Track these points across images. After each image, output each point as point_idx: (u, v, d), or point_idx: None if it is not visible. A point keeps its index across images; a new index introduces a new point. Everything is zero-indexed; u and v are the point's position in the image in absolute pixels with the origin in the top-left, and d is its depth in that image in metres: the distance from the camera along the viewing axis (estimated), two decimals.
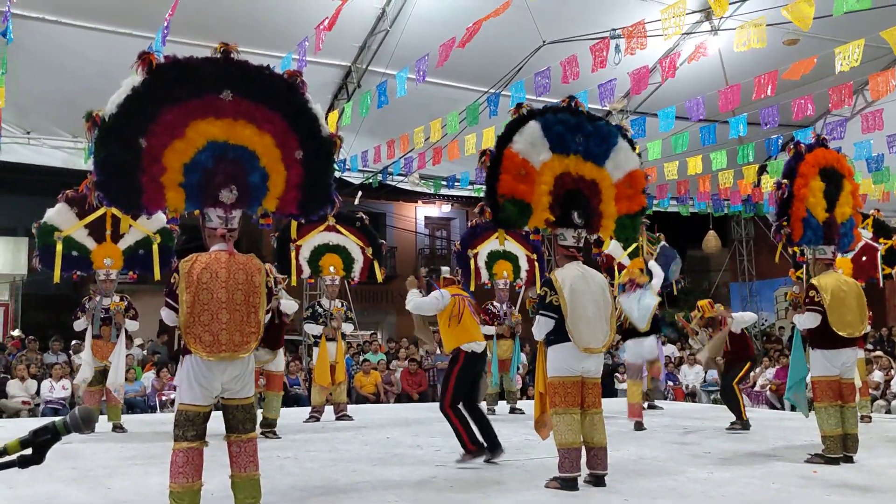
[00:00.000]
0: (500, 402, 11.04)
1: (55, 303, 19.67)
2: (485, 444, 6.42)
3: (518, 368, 11.23)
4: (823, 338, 6.49)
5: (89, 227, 8.75)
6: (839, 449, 6.36)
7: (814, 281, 6.61)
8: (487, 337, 11.03)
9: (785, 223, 6.50)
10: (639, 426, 8.89)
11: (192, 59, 4.57)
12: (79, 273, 8.94)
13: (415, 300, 6.64)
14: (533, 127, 5.53)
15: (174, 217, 4.79)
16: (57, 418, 2.06)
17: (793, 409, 9.91)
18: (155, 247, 8.96)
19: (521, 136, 5.51)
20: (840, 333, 6.43)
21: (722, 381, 9.52)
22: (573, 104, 5.72)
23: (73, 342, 12.91)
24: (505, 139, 5.52)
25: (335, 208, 5.09)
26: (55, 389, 12.18)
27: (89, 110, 4.39)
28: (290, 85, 4.78)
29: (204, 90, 4.53)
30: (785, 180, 6.54)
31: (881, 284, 10.26)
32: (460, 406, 6.50)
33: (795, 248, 6.94)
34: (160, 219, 8.52)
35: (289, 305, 8.53)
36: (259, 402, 6.91)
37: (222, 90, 4.55)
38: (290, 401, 13.35)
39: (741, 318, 9.39)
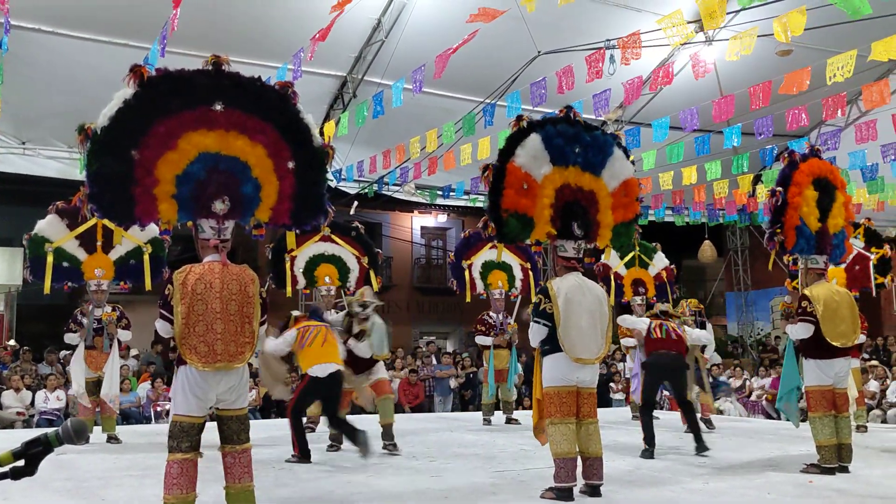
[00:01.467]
0: (496, 412, 11.04)
1: (50, 313, 19.56)
2: (309, 453, 7.32)
3: (515, 379, 11.21)
4: (817, 348, 6.49)
5: (80, 238, 8.74)
6: (834, 459, 6.36)
7: (806, 291, 6.63)
8: (484, 347, 11.08)
9: (778, 231, 6.51)
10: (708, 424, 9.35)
11: (184, 71, 4.59)
12: (70, 284, 8.92)
13: (267, 343, 7.19)
14: (534, 140, 5.53)
15: (166, 229, 4.80)
16: (50, 430, 2.06)
17: (787, 419, 9.92)
18: (146, 257, 8.96)
19: (523, 150, 5.51)
20: (834, 343, 6.44)
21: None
22: (571, 114, 5.74)
23: (64, 353, 12.86)
24: (507, 153, 5.53)
25: (328, 218, 5.09)
26: (49, 400, 12.14)
27: (81, 123, 4.42)
28: (282, 96, 4.80)
29: (196, 102, 4.54)
30: (779, 188, 6.56)
31: (874, 294, 10.27)
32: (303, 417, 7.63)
33: (789, 258, 6.95)
34: (152, 229, 8.50)
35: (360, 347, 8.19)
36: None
37: (214, 102, 4.55)
38: (285, 411, 13.30)
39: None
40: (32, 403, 12.25)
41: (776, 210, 6.54)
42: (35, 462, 1.98)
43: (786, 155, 6.75)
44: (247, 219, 4.78)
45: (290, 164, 4.77)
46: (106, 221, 7.82)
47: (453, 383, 15.46)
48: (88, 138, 4.39)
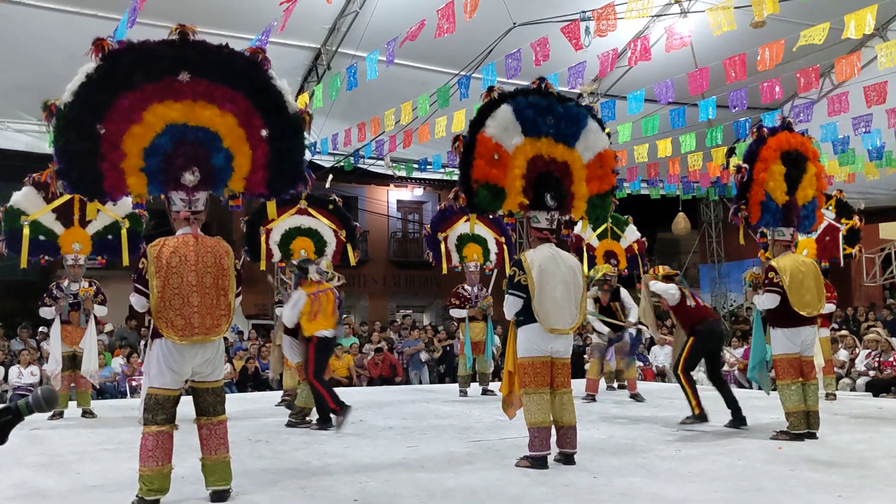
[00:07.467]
0: (472, 383, 11.11)
1: (22, 289, 19.41)
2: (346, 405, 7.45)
3: (492, 351, 11.29)
4: (784, 317, 6.65)
5: (57, 212, 8.63)
6: (803, 425, 6.51)
7: (773, 262, 6.77)
8: (459, 320, 11.13)
9: (743, 206, 6.62)
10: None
11: (147, 42, 4.52)
12: (46, 258, 8.83)
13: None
14: (505, 111, 5.54)
15: (139, 202, 4.76)
16: (20, 400, 2.05)
17: (759, 387, 10.10)
18: (123, 232, 8.89)
19: (493, 121, 5.52)
20: (800, 312, 6.59)
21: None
22: (543, 86, 5.74)
23: (41, 329, 12.75)
24: (477, 124, 5.54)
25: (308, 186, 5.06)
26: (24, 375, 12.05)
27: (45, 99, 4.38)
28: (251, 62, 4.72)
29: (160, 73, 4.48)
30: (745, 164, 6.65)
31: (842, 264, 10.41)
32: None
33: (756, 232, 7.04)
34: (127, 204, 8.43)
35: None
36: None
37: (180, 72, 4.50)
38: (262, 384, 13.34)
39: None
40: (6, 379, 12.16)
41: (742, 186, 6.64)
42: (6, 430, 1.98)
43: (754, 130, 6.84)
44: (220, 190, 4.74)
45: (264, 133, 4.73)
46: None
47: (424, 356, 15.52)
48: (53, 115, 4.36)
